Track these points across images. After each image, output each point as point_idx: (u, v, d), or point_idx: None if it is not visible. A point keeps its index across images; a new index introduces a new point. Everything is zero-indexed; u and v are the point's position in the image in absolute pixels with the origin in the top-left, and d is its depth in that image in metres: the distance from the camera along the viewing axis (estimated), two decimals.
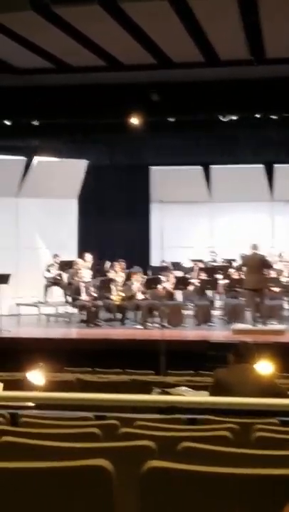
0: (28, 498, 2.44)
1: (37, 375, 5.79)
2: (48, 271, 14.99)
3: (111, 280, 14.27)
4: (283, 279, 14.30)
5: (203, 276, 14.31)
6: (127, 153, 17.06)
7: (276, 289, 13.89)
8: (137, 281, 13.82)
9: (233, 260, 15.33)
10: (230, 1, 9.04)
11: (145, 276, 14.33)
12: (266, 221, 16.94)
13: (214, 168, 16.95)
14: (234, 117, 13.13)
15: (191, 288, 14.05)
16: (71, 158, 16.49)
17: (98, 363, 8.82)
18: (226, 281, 14.36)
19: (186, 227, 17.08)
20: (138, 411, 4.19)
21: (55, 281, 14.94)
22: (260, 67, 11.32)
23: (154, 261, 16.39)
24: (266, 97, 12.44)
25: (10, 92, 12.82)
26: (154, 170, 17.37)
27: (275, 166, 16.53)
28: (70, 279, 14.23)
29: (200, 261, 15.65)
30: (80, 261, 14.63)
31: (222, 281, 14.54)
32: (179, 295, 14.22)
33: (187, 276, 14.72)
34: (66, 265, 14.70)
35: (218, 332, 12.81)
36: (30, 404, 4.44)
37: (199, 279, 14.16)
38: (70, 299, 14.07)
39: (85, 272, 14.15)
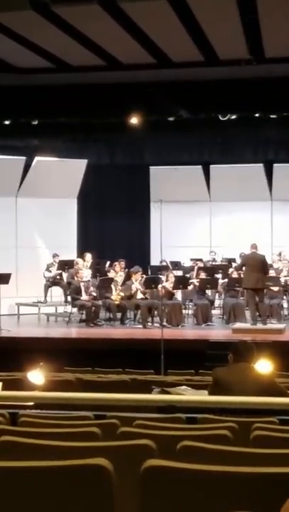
0: (28, 497, 2.44)
1: (37, 375, 5.80)
2: (48, 271, 15.00)
3: (111, 280, 14.28)
4: (282, 278, 14.32)
5: (203, 275, 14.31)
6: (127, 152, 17.08)
7: (275, 288, 13.91)
8: (137, 281, 13.82)
9: (233, 260, 15.36)
10: (229, 1, 9.04)
11: (145, 276, 14.34)
12: (265, 220, 16.95)
13: (214, 167, 16.97)
14: (234, 117, 13.13)
15: (190, 287, 14.06)
16: (71, 158, 16.49)
17: (98, 363, 8.82)
18: (226, 280, 14.38)
19: (185, 226, 17.09)
20: (138, 410, 4.19)
21: (55, 281, 14.95)
22: (260, 66, 11.31)
23: (154, 260, 16.40)
24: (266, 97, 12.43)
25: (9, 91, 12.81)
26: (154, 169, 17.38)
27: (275, 165, 16.55)
28: (69, 279, 14.24)
29: (200, 260, 15.68)
30: (79, 260, 14.63)
31: (222, 280, 14.56)
32: (178, 294, 14.24)
33: (187, 275, 14.73)
34: (66, 265, 14.70)
35: (217, 331, 12.81)
36: (30, 403, 4.44)
37: (199, 278, 14.17)
38: (69, 298, 14.08)
39: (84, 271, 14.16)
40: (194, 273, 14.72)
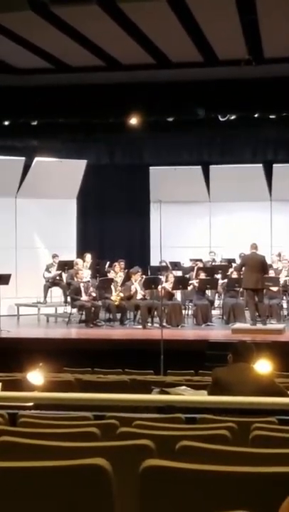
0: (27, 497, 2.45)
1: (36, 375, 5.80)
2: (48, 271, 15.00)
3: (110, 280, 14.28)
4: (282, 279, 14.33)
5: (203, 275, 14.32)
6: (127, 153, 17.07)
7: (275, 289, 13.91)
8: (137, 281, 13.82)
9: (233, 260, 15.36)
10: (228, 1, 9.05)
11: (144, 276, 14.34)
12: (265, 220, 16.95)
13: (213, 167, 16.96)
14: (233, 117, 13.13)
15: (190, 288, 14.06)
16: (70, 158, 16.49)
17: (98, 363, 8.82)
18: (225, 280, 14.38)
19: (185, 226, 17.09)
20: (137, 410, 4.19)
21: (54, 282, 14.95)
22: (259, 66, 11.31)
23: (154, 261, 16.40)
24: (265, 97, 12.44)
25: (9, 92, 12.81)
26: (154, 170, 17.38)
27: (274, 165, 16.55)
28: (69, 279, 14.24)
29: (199, 260, 15.68)
30: (79, 261, 14.63)
31: (221, 280, 14.56)
32: (178, 295, 14.24)
33: (186, 276, 14.73)
34: (66, 265, 14.70)
35: (217, 331, 12.82)
36: (30, 404, 4.44)
37: (198, 278, 14.17)
38: (69, 299, 14.08)
39: (84, 272, 14.16)
40: (194, 273, 14.72)
